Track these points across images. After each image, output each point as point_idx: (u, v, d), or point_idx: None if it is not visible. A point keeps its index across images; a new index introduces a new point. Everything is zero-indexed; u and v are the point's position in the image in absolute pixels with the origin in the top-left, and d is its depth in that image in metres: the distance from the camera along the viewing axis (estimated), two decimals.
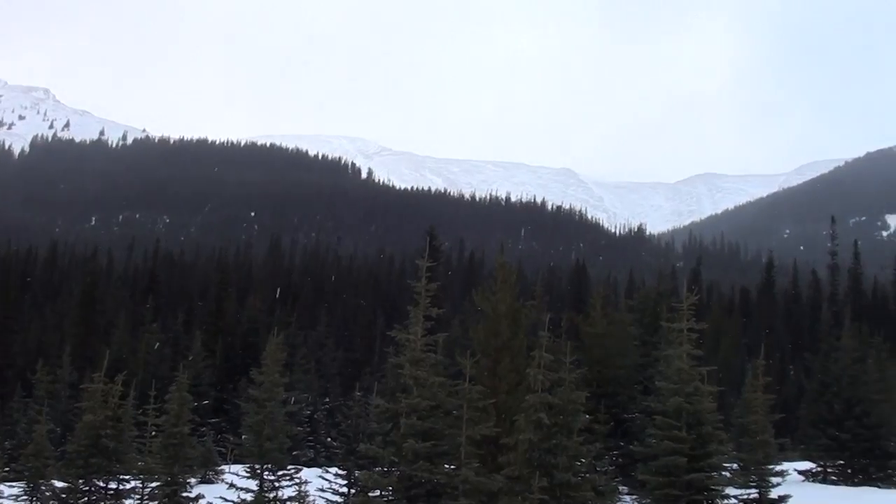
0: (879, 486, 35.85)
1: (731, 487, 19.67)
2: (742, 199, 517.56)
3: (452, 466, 15.43)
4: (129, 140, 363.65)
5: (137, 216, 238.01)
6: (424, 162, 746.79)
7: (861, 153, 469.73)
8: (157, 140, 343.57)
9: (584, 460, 17.96)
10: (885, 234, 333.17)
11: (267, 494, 18.74)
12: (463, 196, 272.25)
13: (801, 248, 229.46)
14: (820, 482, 37.03)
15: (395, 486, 15.09)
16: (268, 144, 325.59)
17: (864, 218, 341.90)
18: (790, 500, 19.86)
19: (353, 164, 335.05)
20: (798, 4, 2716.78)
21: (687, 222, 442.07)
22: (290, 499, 18.97)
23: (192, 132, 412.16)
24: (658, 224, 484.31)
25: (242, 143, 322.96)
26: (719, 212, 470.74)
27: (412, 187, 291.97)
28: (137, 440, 23.55)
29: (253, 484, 18.82)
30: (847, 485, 36.46)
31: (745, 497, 19.62)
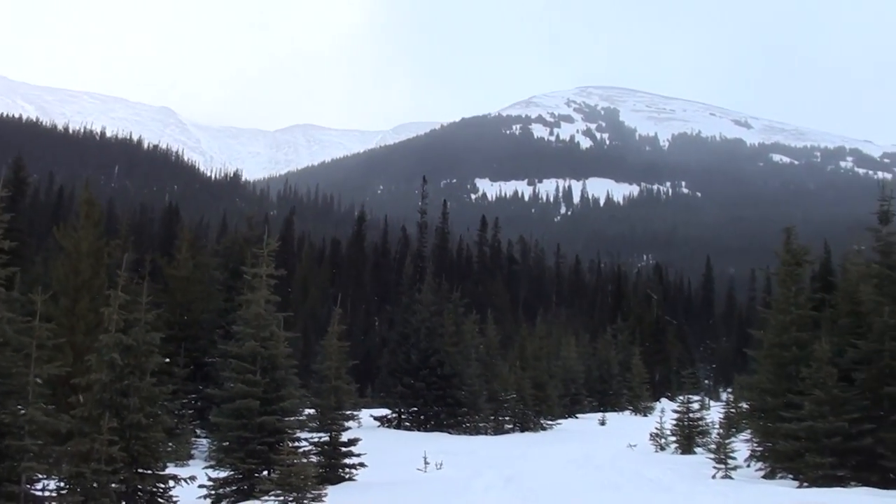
0: (450, 433, 39.29)
1: (304, 431, 20.58)
2: (340, 153, 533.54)
3: (20, 406, 14.86)
4: None
5: None
6: (18, 88, 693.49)
7: (457, 118, 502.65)
8: None
9: (157, 402, 18.00)
10: (473, 196, 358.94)
11: None
12: (56, 127, 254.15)
13: (394, 204, 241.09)
14: (394, 428, 39.80)
15: None
16: None
17: (454, 180, 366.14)
18: (359, 443, 21.14)
19: None
20: None
21: (284, 171, 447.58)
22: None
23: None
24: (255, 171, 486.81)
25: None
26: (316, 164, 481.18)
27: (2, 114, 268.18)
28: None
29: None
30: (419, 430, 39.57)
31: (317, 440, 20.63)
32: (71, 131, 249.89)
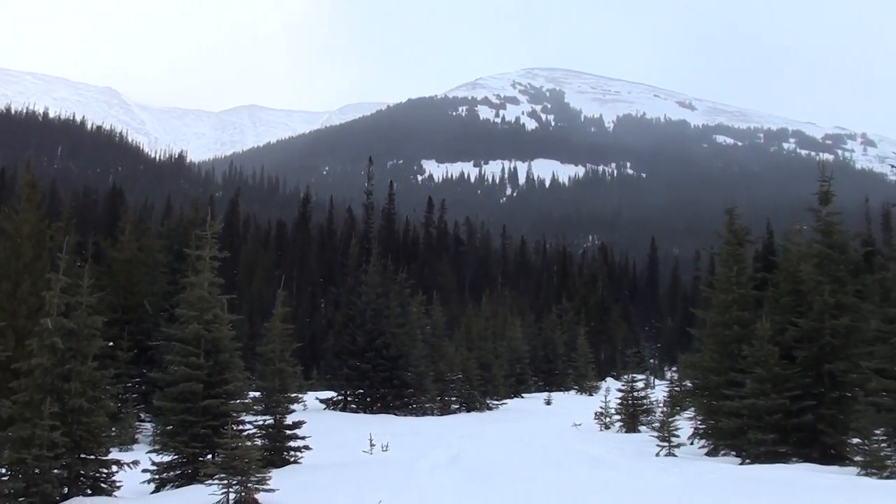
0: (396, 414, 39.31)
1: (248, 414, 20.43)
2: (285, 134, 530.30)
3: None
4: None
5: None
6: None
7: (403, 99, 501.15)
8: None
9: (100, 386, 17.77)
10: (420, 178, 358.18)
11: None
12: None
13: (340, 186, 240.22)
14: (340, 410, 39.73)
15: None
16: None
17: (401, 161, 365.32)
18: (305, 425, 21.03)
19: None
20: None
21: (229, 152, 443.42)
22: None
23: None
24: (200, 152, 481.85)
25: None
26: (262, 144, 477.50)
27: None
28: None
29: None
30: (365, 412, 39.51)
31: (261, 423, 20.48)
32: (13, 112, 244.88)
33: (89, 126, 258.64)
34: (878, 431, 16.79)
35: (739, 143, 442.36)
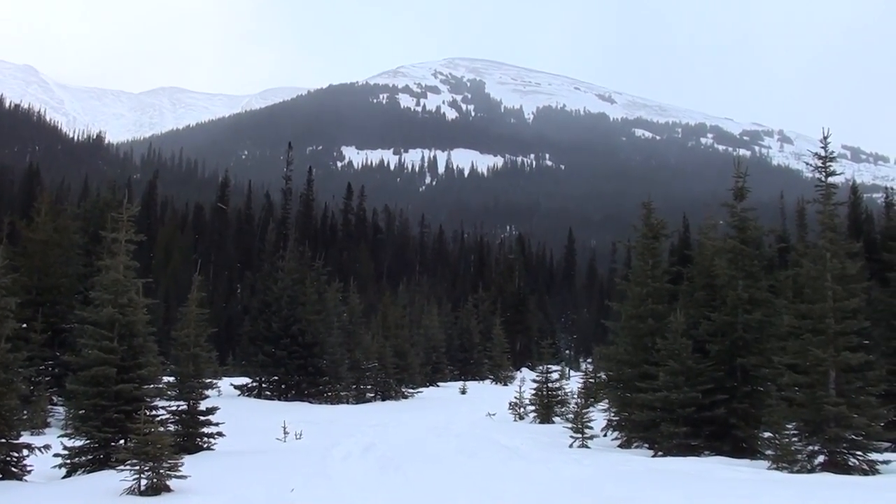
0: (311, 402, 38.89)
1: (162, 399, 19.98)
2: (205, 117, 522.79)
3: None
4: None
5: None
6: None
7: (325, 85, 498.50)
8: None
9: (12, 368, 17.22)
10: (339, 164, 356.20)
11: None
12: None
13: (259, 170, 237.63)
14: (255, 397, 39.16)
15: None
16: None
17: (321, 147, 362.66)
18: (218, 412, 20.65)
19: None
20: None
21: (148, 134, 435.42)
22: None
23: None
24: (119, 133, 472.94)
25: None
26: (181, 127, 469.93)
27: None
28: None
29: None
30: (280, 399, 39.01)
31: (175, 409, 20.04)
32: None
33: (7, 104, 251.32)
34: (789, 426, 16.95)
35: (658, 137, 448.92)
